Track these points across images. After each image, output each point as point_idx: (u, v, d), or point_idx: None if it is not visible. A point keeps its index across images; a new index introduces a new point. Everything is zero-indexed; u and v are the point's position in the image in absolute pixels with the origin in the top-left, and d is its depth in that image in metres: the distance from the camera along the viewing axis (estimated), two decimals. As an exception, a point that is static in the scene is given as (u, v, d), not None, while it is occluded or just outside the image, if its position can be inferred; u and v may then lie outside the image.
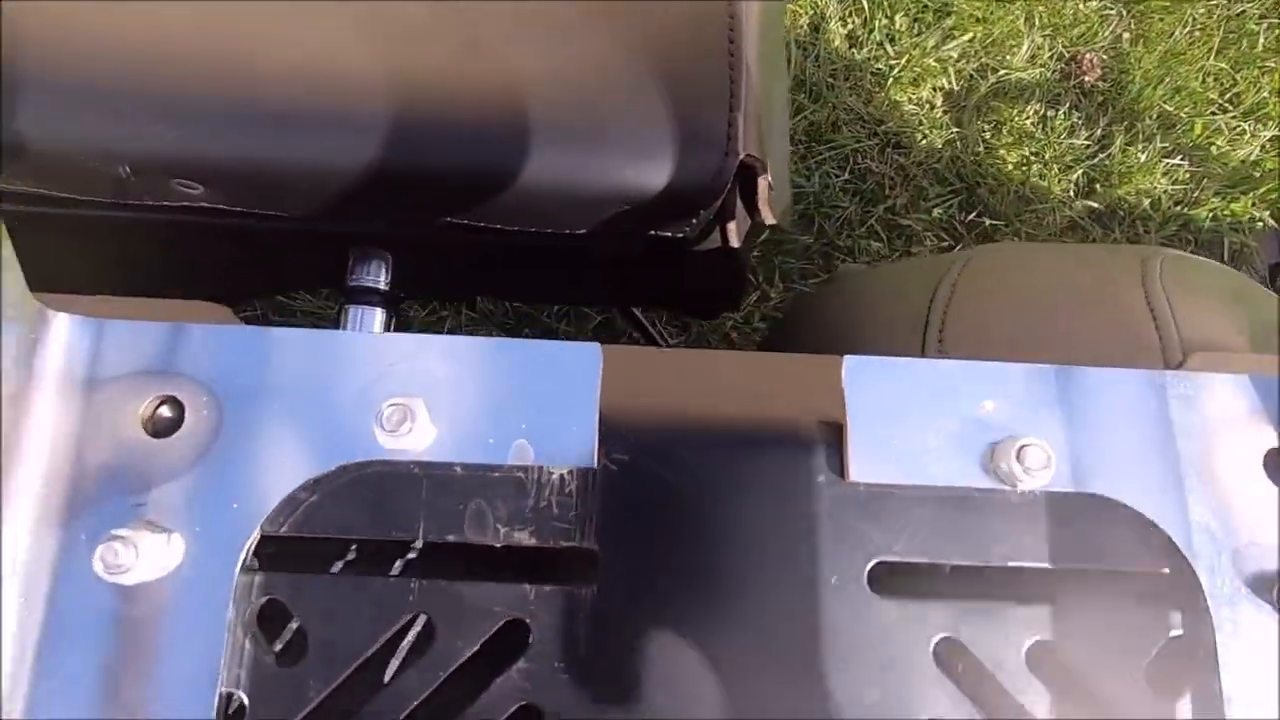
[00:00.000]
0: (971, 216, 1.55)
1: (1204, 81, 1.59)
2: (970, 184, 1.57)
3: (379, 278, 0.52)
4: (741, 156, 0.43)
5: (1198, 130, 1.58)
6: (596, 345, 0.27)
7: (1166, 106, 1.57)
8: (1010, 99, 1.61)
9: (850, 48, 1.66)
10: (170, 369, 0.26)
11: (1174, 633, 0.26)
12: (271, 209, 0.48)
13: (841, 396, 0.26)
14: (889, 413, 0.26)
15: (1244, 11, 1.55)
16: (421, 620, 0.26)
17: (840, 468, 0.26)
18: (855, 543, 0.26)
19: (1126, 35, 1.59)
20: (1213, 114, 1.53)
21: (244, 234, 0.50)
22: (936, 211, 1.56)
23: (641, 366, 0.28)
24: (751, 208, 0.49)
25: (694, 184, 0.43)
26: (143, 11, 0.44)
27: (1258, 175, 1.60)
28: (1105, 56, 1.63)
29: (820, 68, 1.60)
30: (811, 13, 1.63)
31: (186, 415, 0.26)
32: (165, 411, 0.26)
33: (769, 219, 0.50)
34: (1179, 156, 1.58)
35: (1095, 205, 1.58)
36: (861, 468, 0.26)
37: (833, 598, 0.26)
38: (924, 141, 1.58)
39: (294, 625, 0.26)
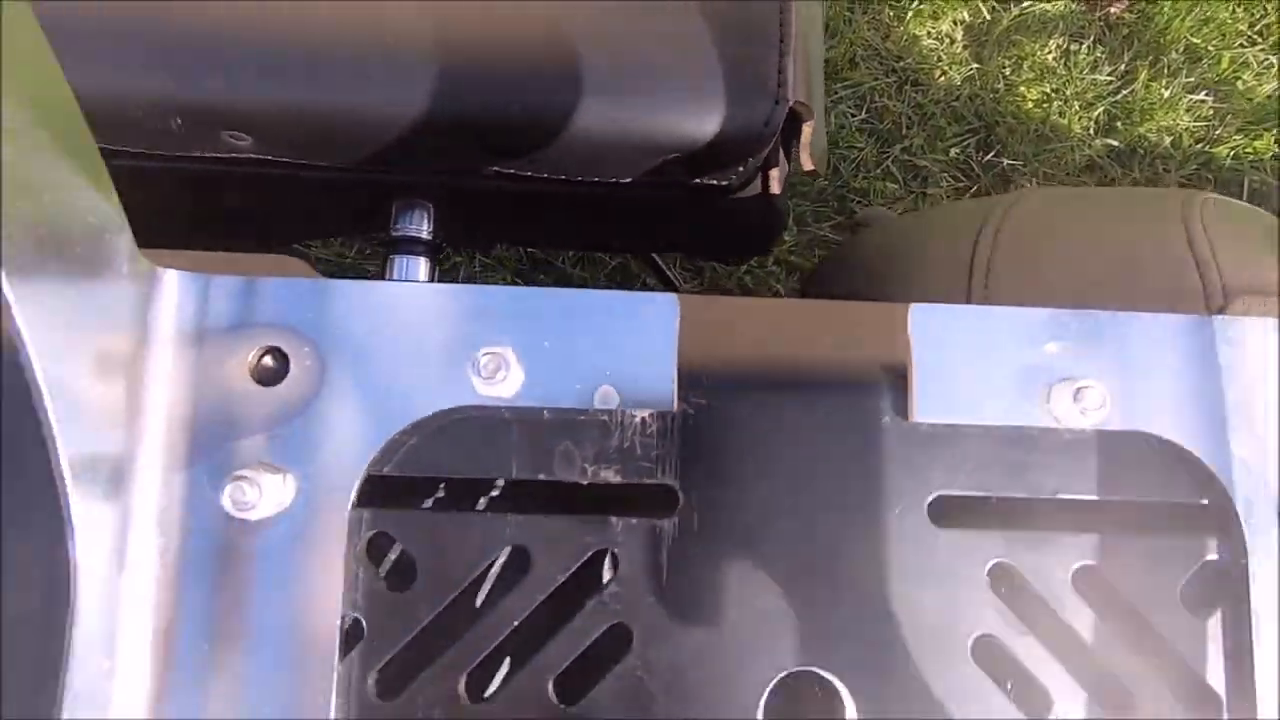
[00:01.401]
0: (989, 156, 1.54)
1: (1233, 12, 1.55)
2: (989, 122, 1.55)
3: (422, 227, 0.53)
4: (791, 102, 0.43)
5: (1224, 64, 1.54)
6: (674, 296, 0.28)
7: (1193, 39, 1.52)
8: (1033, 32, 1.57)
9: (869, -22, 1.60)
10: (272, 321, 0.28)
11: (1210, 557, 0.28)
12: (318, 159, 0.49)
13: (907, 341, 0.28)
14: (951, 356, 0.28)
15: (1279, -63, 1.49)
16: (517, 551, 0.28)
17: (905, 408, 0.28)
18: (917, 478, 0.28)
19: (1156, -37, 1.53)
20: (1241, 46, 1.49)
21: (290, 183, 0.51)
22: (954, 151, 1.54)
23: (716, 314, 0.30)
24: (791, 154, 0.50)
25: (744, 131, 0.43)
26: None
27: (1283, 112, 1.57)
28: (1132, -13, 1.57)
29: (837, 1, 1.55)
30: (830, -58, 1.56)
31: (291, 365, 0.27)
32: (269, 361, 0.28)
33: (808, 165, 0.50)
34: (1204, 92, 1.55)
35: (1115, 144, 1.56)
36: (924, 408, 0.28)
37: (896, 528, 0.28)
38: (942, 79, 1.55)
39: (396, 553, 0.28)
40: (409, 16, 0.45)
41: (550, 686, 0.27)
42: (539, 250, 1.31)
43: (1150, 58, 1.52)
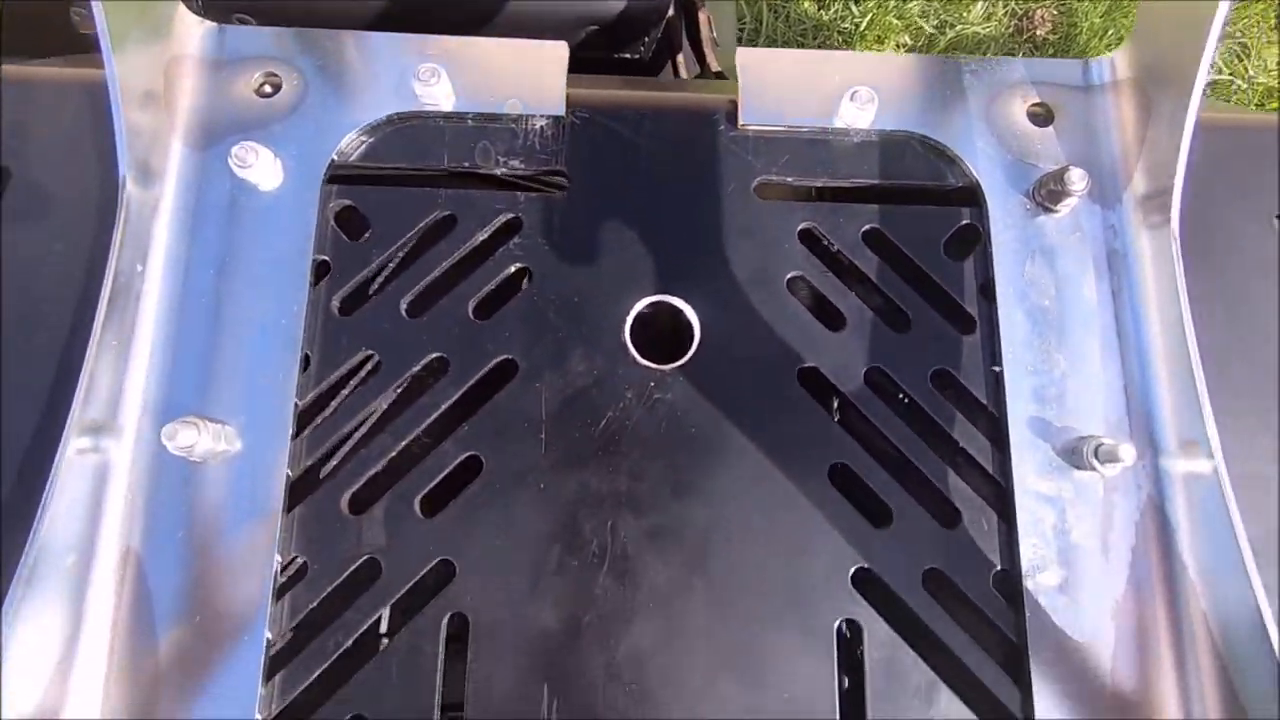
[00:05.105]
0: (934, 158, 1.68)
1: (1147, 32, 1.74)
2: (932, 129, 1.69)
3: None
4: (681, -12, 0.57)
5: (1143, 76, 1.72)
6: (564, 44, 0.40)
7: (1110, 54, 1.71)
8: (968, 50, 1.77)
9: (819, 9, 1.81)
10: (272, 56, 0.40)
11: (964, 222, 0.39)
12: None
13: (736, 76, 0.40)
14: (768, 83, 0.40)
15: (1181, -31, 1.71)
16: (445, 219, 0.39)
17: (735, 119, 0.40)
18: (744, 166, 0.39)
19: (1074, -8, 1.73)
20: (1156, 61, 1.68)
21: None
22: (901, 155, 1.68)
23: (600, 82, 0.42)
24: (700, 54, 0.64)
25: (643, 9, 0.57)
26: None
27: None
28: (1055, 12, 1.79)
29: (790, 27, 1.75)
30: (780, -23, 1.76)
31: (283, 85, 0.39)
32: (268, 86, 0.39)
33: (713, 65, 0.64)
34: (1126, 100, 1.72)
35: (1050, 147, 1.70)
36: (748, 117, 0.40)
37: (728, 201, 0.39)
38: (888, 92, 1.71)
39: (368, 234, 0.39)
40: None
41: (469, 310, 0.38)
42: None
43: (1075, 71, 1.69)
